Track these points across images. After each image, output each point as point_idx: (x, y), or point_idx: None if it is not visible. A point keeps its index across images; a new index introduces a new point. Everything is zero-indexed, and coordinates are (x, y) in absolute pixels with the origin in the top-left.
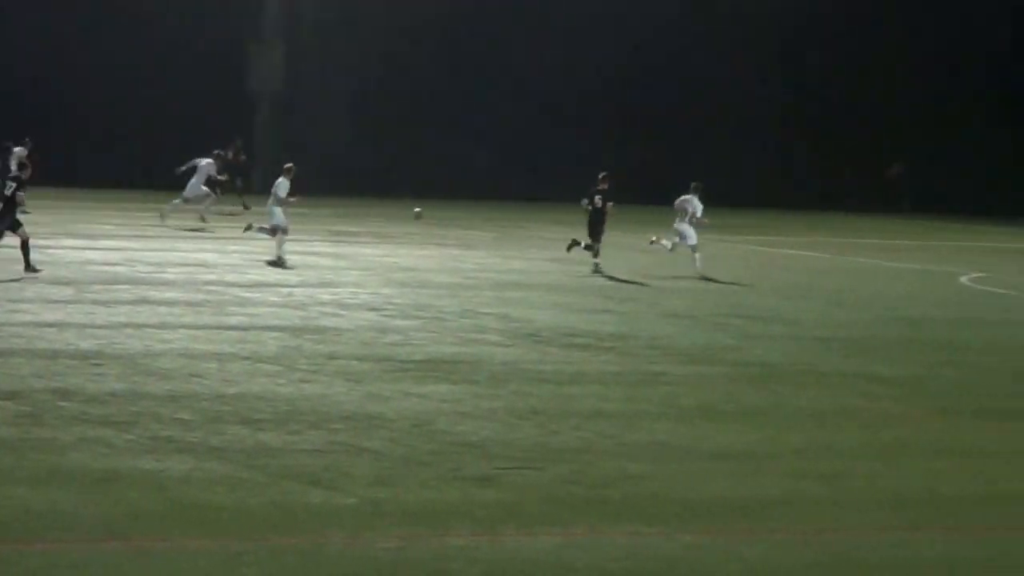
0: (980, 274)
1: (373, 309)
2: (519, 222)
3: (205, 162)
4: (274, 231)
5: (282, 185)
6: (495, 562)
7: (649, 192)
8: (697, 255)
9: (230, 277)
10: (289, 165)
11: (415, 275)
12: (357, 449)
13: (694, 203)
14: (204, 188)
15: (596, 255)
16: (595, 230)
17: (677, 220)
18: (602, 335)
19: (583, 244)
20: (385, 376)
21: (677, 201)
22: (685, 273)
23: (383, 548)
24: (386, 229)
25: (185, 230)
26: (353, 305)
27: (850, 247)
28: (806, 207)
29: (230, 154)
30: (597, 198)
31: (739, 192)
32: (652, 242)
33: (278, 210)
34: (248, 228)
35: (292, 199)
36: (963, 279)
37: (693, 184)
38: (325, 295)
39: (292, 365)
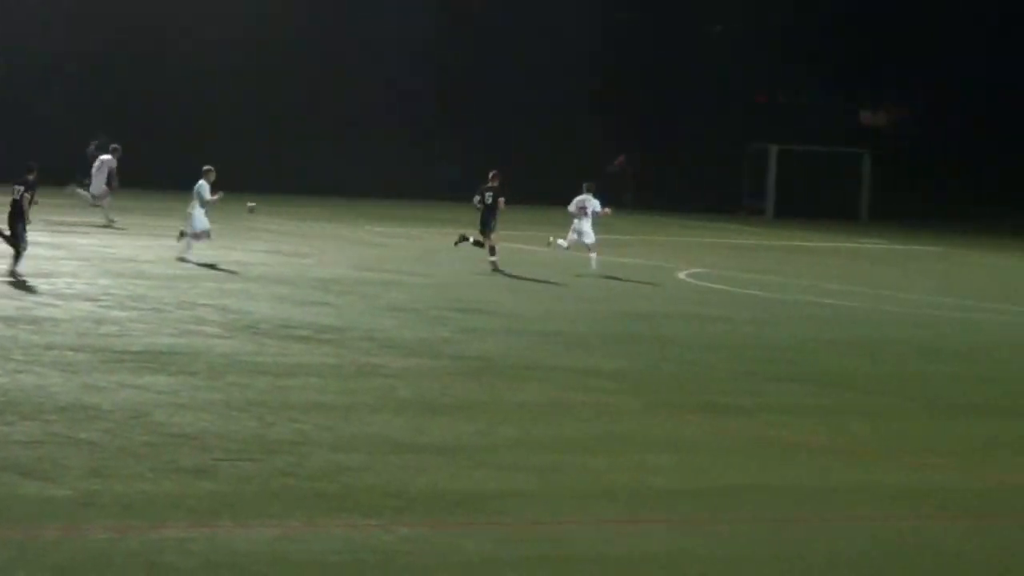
0: (697, 269)
1: (90, 299)
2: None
3: (105, 158)
4: (206, 234)
5: (204, 187)
6: (211, 554)
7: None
8: (593, 255)
9: None
10: (208, 168)
11: (133, 266)
12: (72, 440)
13: (591, 201)
14: (104, 187)
15: (493, 253)
16: (486, 226)
17: (576, 220)
18: (320, 327)
19: (471, 240)
20: (101, 367)
21: (573, 203)
22: (406, 267)
23: (97, 540)
24: (102, 219)
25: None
26: (69, 295)
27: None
28: (529, 202)
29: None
30: (488, 195)
31: (464, 187)
32: (550, 243)
33: (199, 212)
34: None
35: (214, 197)
36: (681, 274)
37: (586, 184)
38: (41, 285)
39: (7, 355)
